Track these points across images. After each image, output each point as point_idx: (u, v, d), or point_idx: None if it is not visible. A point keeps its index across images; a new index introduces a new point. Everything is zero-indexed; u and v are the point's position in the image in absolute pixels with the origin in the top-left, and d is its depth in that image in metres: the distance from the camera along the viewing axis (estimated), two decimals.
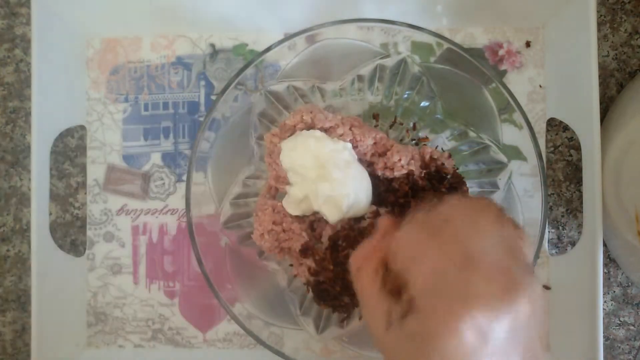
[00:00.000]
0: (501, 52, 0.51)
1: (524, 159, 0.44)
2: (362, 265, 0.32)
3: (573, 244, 0.52)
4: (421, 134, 0.48)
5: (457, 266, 0.27)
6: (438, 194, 0.36)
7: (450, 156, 0.45)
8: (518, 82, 0.51)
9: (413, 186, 0.42)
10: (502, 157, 0.46)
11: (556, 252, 0.52)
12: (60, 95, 0.51)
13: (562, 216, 0.52)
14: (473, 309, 0.25)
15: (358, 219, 0.42)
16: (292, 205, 0.43)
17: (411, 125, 0.48)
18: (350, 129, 0.43)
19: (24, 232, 0.55)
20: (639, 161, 0.44)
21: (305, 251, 0.43)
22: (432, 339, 0.26)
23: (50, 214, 0.53)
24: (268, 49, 0.43)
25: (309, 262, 0.43)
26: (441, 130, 0.48)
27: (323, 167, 0.41)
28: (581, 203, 0.48)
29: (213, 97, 0.53)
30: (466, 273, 0.26)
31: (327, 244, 0.42)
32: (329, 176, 0.40)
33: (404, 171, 0.42)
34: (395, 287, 0.29)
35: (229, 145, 0.47)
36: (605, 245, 0.50)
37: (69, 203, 0.54)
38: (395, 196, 0.42)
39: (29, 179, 0.53)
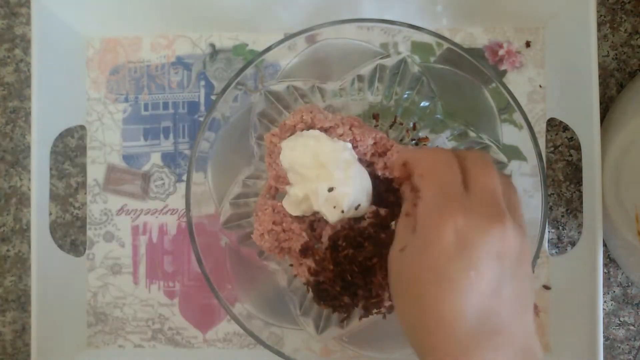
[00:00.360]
0: (501, 52, 0.51)
1: (524, 159, 0.44)
2: (401, 213, 0.35)
3: (573, 244, 0.52)
4: (421, 134, 0.48)
5: (459, 191, 0.30)
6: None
7: None
8: (518, 82, 0.51)
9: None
10: (502, 157, 0.46)
11: (556, 252, 0.52)
12: (60, 95, 0.51)
13: (562, 216, 0.52)
14: (455, 213, 0.28)
15: (358, 219, 0.42)
16: (292, 206, 0.43)
17: (411, 125, 0.48)
18: (350, 129, 0.43)
19: (24, 232, 0.55)
20: (639, 161, 0.44)
21: (305, 251, 0.43)
22: (426, 247, 0.28)
23: (50, 214, 0.53)
24: (268, 49, 0.43)
25: (309, 262, 0.43)
26: (441, 130, 0.47)
27: (323, 167, 0.41)
28: (581, 203, 0.48)
29: (213, 97, 0.53)
30: (462, 192, 0.30)
31: (327, 244, 0.42)
32: (329, 176, 0.40)
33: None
34: (412, 205, 0.32)
35: (229, 145, 0.47)
36: (605, 245, 0.50)
37: (69, 203, 0.54)
38: (395, 196, 0.42)
39: (29, 179, 0.53)
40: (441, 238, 0.28)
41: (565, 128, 0.52)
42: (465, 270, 0.27)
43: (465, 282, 0.27)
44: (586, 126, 0.45)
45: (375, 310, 0.42)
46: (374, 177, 0.43)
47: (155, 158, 0.53)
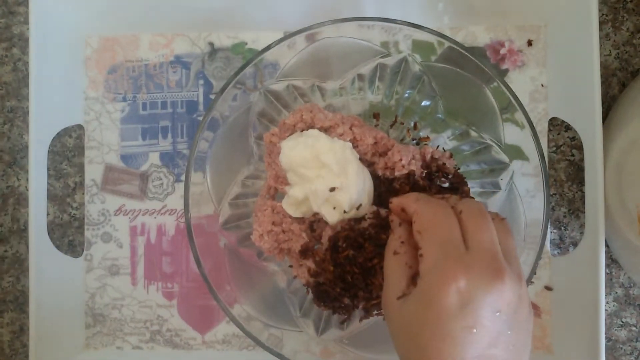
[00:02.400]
0: (503, 51, 0.51)
1: (526, 158, 0.44)
2: (388, 249, 0.36)
3: (575, 244, 0.51)
4: (422, 134, 0.47)
5: (458, 243, 0.31)
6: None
7: (451, 156, 0.44)
8: (520, 81, 0.51)
9: (414, 186, 0.42)
10: (504, 157, 0.46)
11: (558, 253, 0.52)
12: (58, 94, 0.50)
13: (564, 216, 0.52)
14: (458, 276, 0.29)
15: (358, 220, 0.42)
16: (292, 207, 0.42)
17: (412, 124, 0.47)
18: (350, 128, 0.43)
19: (22, 232, 0.54)
20: None
21: (305, 252, 0.43)
22: (429, 305, 0.30)
23: (48, 214, 0.53)
24: (267, 48, 0.42)
25: (309, 263, 0.42)
26: (442, 129, 0.47)
27: (324, 167, 0.41)
28: (583, 203, 0.48)
29: (212, 96, 0.53)
30: (463, 250, 0.31)
31: (327, 245, 0.42)
32: (330, 176, 0.40)
33: (405, 171, 0.42)
34: (408, 263, 0.33)
35: (228, 145, 0.46)
36: (607, 245, 0.49)
37: (67, 203, 0.54)
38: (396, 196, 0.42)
39: (27, 179, 0.53)
40: (444, 298, 0.29)
41: (568, 127, 0.52)
42: (467, 328, 0.29)
43: (466, 339, 0.29)
44: (588, 126, 0.45)
45: (375, 312, 0.42)
46: (374, 177, 0.43)
47: (154, 158, 0.53)
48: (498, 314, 0.30)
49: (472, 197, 0.43)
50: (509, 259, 0.32)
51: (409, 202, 0.35)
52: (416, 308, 0.31)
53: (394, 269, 0.34)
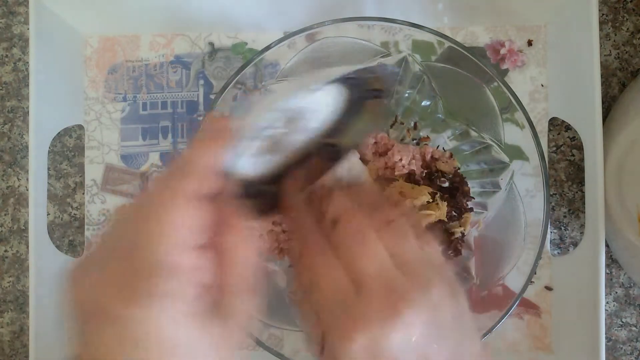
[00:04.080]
0: (503, 51, 0.51)
1: (526, 158, 0.44)
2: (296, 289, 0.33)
3: (575, 244, 0.51)
4: (422, 134, 0.47)
5: (347, 293, 0.27)
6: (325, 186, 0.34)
7: (451, 156, 0.44)
8: (520, 81, 0.51)
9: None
10: (504, 157, 0.46)
11: (558, 253, 0.52)
12: (58, 94, 0.50)
13: (564, 216, 0.52)
14: (356, 337, 0.26)
15: None
16: None
17: (412, 124, 0.47)
18: None
19: (22, 232, 0.54)
20: None
21: None
22: None
23: (48, 214, 0.53)
24: (267, 48, 0.42)
25: None
26: (442, 129, 0.47)
27: None
28: (583, 203, 0.48)
29: (212, 96, 0.53)
30: (354, 300, 0.27)
31: None
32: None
33: (405, 171, 0.42)
34: (314, 313, 0.29)
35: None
36: (607, 245, 0.49)
37: (67, 203, 0.54)
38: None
39: (27, 179, 0.53)
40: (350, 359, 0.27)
41: (568, 127, 0.52)
42: None
43: None
44: (588, 126, 0.45)
45: None
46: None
47: (154, 158, 0.53)
48: (413, 339, 0.27)
49: (467, 196, 0.43)
50: (404, 264, 0.28)
51: (298, 240, 0.31)
52: None
53: (307, 318, 0.30)
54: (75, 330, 0.25)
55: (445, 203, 0.43)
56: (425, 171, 0.43)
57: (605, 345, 0.45)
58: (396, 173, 0.42)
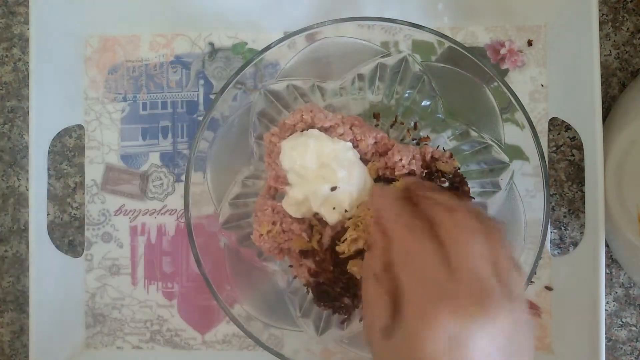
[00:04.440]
0: (503, 51, 0.51)
1: (526, 158, 0.44)
2: (367, 270, 0.32)
3: (575, 244, 0.51)
4: (422, 134, 0.47)
5: (441, 275, 0.28)
6: (439, 193, 0.35)
7: (451, 156, 0.44)
8: (520, 81, 0.51)
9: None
10: (504, 157, 0.46)
11: (558, 253, 0.52)
12: (58, 94, 0.50)
13: (564, 216, 0.52)
14: (446, 316, 0.26)
15: None
16: (292, 207, 0.42)
17: (412, 124, 0.47)
18: (350, 128, 0.43)
19: (22, 232, 0.54)
20: None
21: (305, 252, 0.43)
22: (415, 345, 0.27)
23: (48, 214, 0.53)
24: (267, 48, 0.42)
25: (309, 263, 0.42)
26: (442, 129, 0.47)
27: (324, 167, 0.41)
28: (583, 203, 0.48)
29: (212, 97, 0.53)
30: (447, 282, 0.28)
31: (327, 245, 0.42)
32: (331, 175, 0.40)
33: (405, 171, 0.42)
34: (390, 292, 0.30)
35: (228, 145, 0.46)
36: (607, 245, 0.49)
37: (67, 203, 0.54)
38: None
39: (27, 179, 0.53)
40: (430, 344, 0.27)
41: (568, 128, 0.52)
42: None
43: None
44: (588, 126, 0.45)
45: None
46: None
47: (154, 158, 0.53)
48: (491, 342, 0.27)
49: (468, 197, 0.43)
50: (501, 274, 0.29)
51: (386, 221, 0.32)
52: (401, 348, 0.28)
53: (375, 297, 0.31)
54: None
55: None
56: (425, 171, 0.43)
57: (605, 345, 0.45)
58: (396, 173, 0.42)
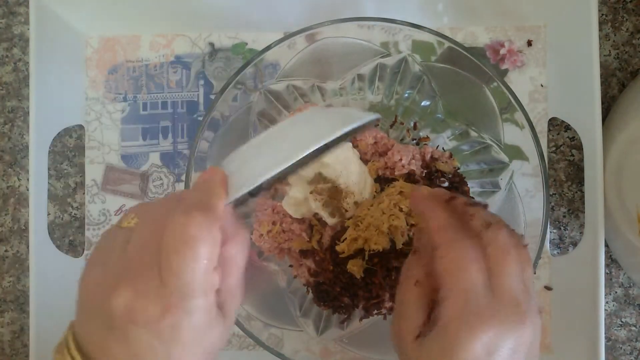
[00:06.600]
0: (502, 51, 0.51)
1: (526, 158, 0.44)
2: (409, 275, 0.34)
3: (575, 244, 0.51)
4: (422, 134, 0.47)
5: (484, 291, 0.30)
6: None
7: (451, 156, 0.44)
8: (519, 82, 0.51)
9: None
10: (504, 157, 0.46)
11: (558, 253, 0.52)
12: (59, 94, 0.50)
13: (564, 216, 0.52)
14: (486, 329, 0.29)
15: None
16: (292, 207, 0.42)
17: (412, 124, 0.47)
18: None
19: (22, 232, 0.54)
20: None
21: (305, 252, 0.43)
22: (451, 352, 0.29)
23: (49, 214, 0.53)
24: (267, 48, 0.42)
25: (309, 263, 0.42)
26: (442, 129, 0.47)
27: (324, 167, 0.41)
28: (583, 203, 0.48)
29: (212, 97, 0.53)
30: (488, 297, 0.30)
31: (327, 245, 0.42)
32: (331, 175, 0.40)
33: (405, 171, 0.42)
34: (429, 299, 0.32)
35: (228, 145, 0.46)
36: (607, 245, 0.49)
37: (67, 203, 0.54)
38: None
39: (27, 179, 0.53)
40: (470, 351, 0.29)
41: (567, 128, 0.52)
42: None
43: None
44: (588, 126, 0.45)
45: (375, 311, 0.42)
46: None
47: (154, 158, 0.53)
48: (516, 354, 0.29)
49: (467, 197, 0.43)
50: (528, 291, 0.31)
51: (436, 230, 0.33)
52: (437, 353, 0.30)
53: (413, 301, 0.32)
54: (95, 327, 0.30)
55: None
56: (425, 171, 0.43)
57: (605, 345, 0.45)
58: (396, 173, 0.42)
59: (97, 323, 0.30)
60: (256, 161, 0.31)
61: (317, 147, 0.29)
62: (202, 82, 0.53)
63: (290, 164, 0.29)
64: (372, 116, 0.32)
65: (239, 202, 0.32)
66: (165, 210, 0.31)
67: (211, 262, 0.29)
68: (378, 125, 0.47)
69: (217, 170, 0.32)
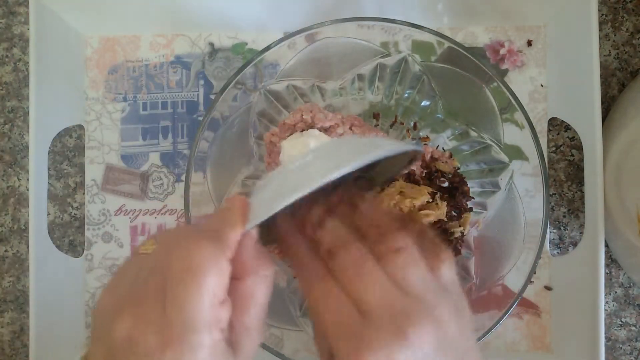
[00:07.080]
0: (502, 51, 0.51)
1: (526, 158, 0.44)
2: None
3: (575, 244, 0.51)
4: (422, 134, 0.47)
5: (350, 320, 0.28)
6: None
7: (451, 156, 0.44)
8: (519, 82, 0.51)
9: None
10: (504, 157, 0.46)
11: (558, 253, 0.52)
12: (59, 94, 0.50)
13: (564, 216, 0.52)
14: (367, 357, 0.26)
15: None
16: None
17: (412, 124, 0.47)
18: (350, 128, 0.43)
19: (22, 232, 0.54)
20: None
21: None
22: None
23: (49, 214, 0.53)
24: (267, 48, 0.42)
25: None
26: (442, 129, 0.47)
27: None
28: (583, 203, 0.48)
29: (212, 97, 0.53)
30: (359, 324, 0.27)
31: None
32: None
33: (405, 171, 0.42)
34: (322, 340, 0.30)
35: (228, 145, 0.46)
36: (607, 245, 0.49)
37: (67, 203, 0.54)
38: None
39: (27, 179, 0.53)
40: None
41: (567, 128, 0.52)
42: None
43: None
44: (588, 126, 0.45)
45: None
46: None
47: (154, 158, 0.53)
48: (420, 356, 0.27)
49: (467, 196, 0.43)
50: (411, 292, 0.28)
51: (296, 268, 0.31)
52: None
53: (317, 335, 0.31)
54: (101, 355, 0.28)
55: (445, 203, 0.43)
56: (425, 171, 0.43)
57: (605, 345, 0.44)
58: None
59: (103, 351, 0.28)
60: (270, 191, 0.28)
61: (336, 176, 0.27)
62: (202, 82, 0.53)
63: (306, 192, 0.27)
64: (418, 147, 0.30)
65: (266, 236, 0.30)
66: (181, 237, 0.29)
67: (217, 295, 0.27)
68: (378, 125, 0.47)
69: (238, 198, 0.30)
